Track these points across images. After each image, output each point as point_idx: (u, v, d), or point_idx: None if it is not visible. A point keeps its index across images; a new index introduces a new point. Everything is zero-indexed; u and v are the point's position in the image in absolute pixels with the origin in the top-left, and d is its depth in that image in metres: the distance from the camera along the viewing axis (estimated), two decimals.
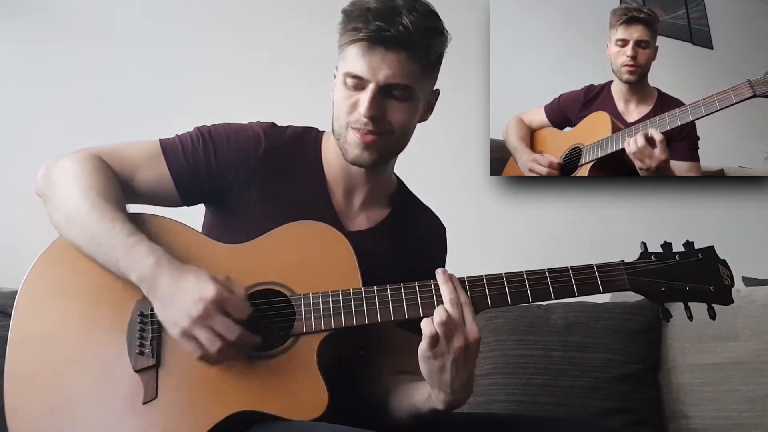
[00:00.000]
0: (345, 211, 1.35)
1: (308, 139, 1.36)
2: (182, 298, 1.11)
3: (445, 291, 1.16)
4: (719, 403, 1.82)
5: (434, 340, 1.12)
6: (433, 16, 1.25)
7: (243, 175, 1.29)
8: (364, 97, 1.22)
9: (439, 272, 1.19)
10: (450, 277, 1.18)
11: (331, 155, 1.34)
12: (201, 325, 1.10)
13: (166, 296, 1.13)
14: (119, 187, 1.25)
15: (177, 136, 1.32)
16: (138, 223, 1.23)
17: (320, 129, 1.40)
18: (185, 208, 1.35)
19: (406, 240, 1.38)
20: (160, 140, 1.31)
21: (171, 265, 1.14)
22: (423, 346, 1.14)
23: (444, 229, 1.47)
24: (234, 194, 1.30)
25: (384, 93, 1.22)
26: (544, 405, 1.78)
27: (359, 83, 1.22)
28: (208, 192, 1.31)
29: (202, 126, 1.33)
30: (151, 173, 1.28)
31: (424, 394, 1.20)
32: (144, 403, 1.15)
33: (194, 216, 1.36)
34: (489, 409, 1.80)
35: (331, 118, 1.30)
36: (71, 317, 1.22)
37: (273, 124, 1.36)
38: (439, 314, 1.13)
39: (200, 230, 1.36)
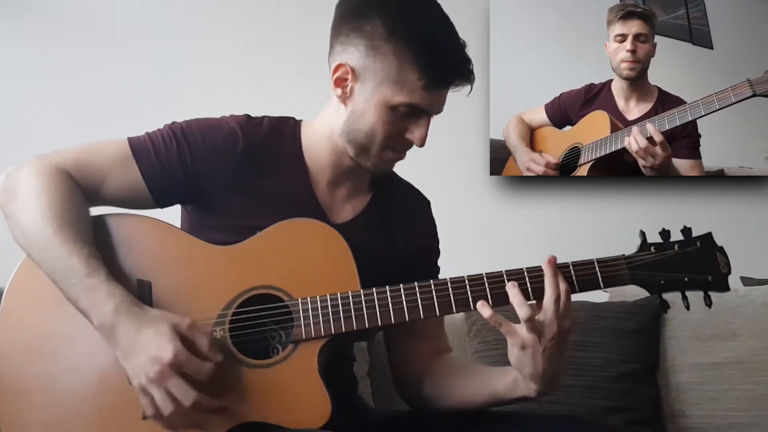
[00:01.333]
0: (330, 204, 1.30)
1: (286, 130, 1.31)
2: (139, 354, 1.06)
3: (550, 287, 1.12)
4: (718, 402, 1.82)
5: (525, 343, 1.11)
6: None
7: (223, 173, 1.24)
8: (421, 130, 1.22)
9: (548, 263, 1.14)
10: (556, 272, 1.13)
11: (316, 148, 1.29)
12: (156, 385, 1.05)
13: (124, 347, 1.07)
14: (82, 205, 1.19)
15: (147, 134, 1.25)
16: (117, 226, 1.19)
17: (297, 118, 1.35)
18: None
19: (392, 221, 1.35)
20: (129, 140, 1.24)
21: (130, 314, 1.08)
22: (512, 341, 1.12)
23: (428, 202, 1.44)
24: (214, 193, 1.24)
25: None
26: (543, 403, 1.76)
27: (414, 113, 1.21)
28: (184, 193, 1.26)
29: (173, 123, 1.26)
30: (121, 179, 1.21)
31: (508, 383, 1.19)
32: (144, 419, 1.10)
33: (170, 215, 1.30)
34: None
35: (338, 121, 1.25)
36: (62, 325, 1.16)
37: (248, 117, 1.29)
38: (526, 312, 1.11)
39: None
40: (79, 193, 1.19)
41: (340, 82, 1.23)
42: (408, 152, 1.31)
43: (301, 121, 1.34)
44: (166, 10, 2.46)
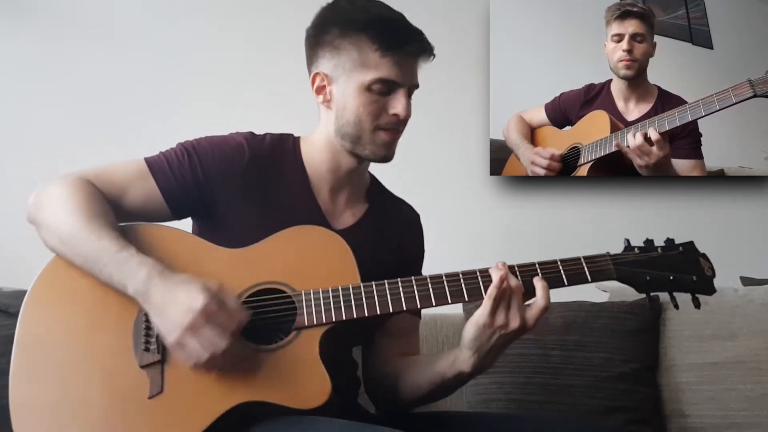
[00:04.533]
0: (331, 211, 1.40)
1: (287, 145, 1.41)
2: (173, 309, 1.13)
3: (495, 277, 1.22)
4: (717, 402, 1.82)
5: (496, 304, 1.20)
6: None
7: (230, 184, 1.33)
8: (401, 101, 1.31)
9: (498, 266, 1.25)
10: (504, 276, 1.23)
11: (315, 159, 1.39)
12: (190, 335, 1.12)
13: (158, 307, 1.15)
14: (106, 203, 1.27)
15: (161, 153, 1.35)
16: (134, 234, 1.26)
17: (296, 134, 1.44)
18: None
19: (387, 230, 1.45)
20: (146, 159, 1.34)
21: (162, 276, 1.16)
22: (484, 311, 1.20)
23: (418, 215, 1.54)
24: (222, 204, 1.33)
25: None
26: (543, 404, 1.78)
27: (388, 88, 1.31)
28: (198, 205, 1.34)
29: (185, 141, 1.37)
30: (139, 191, 1.31)
31: (449, 361, 1.29)
32: (150, 398, 1.17)
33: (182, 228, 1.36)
34: (488, 408, 1.80)
35: (329, 125, 1.35)
36: (79, 320, 1.23)
37: (252, 134, 1.39)
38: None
39: None
40: (103, 197, 1.28)
41: (320, 90, 1.36)
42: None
43: (299, 137, 1.44)
44: (166, 10, 2.46)
